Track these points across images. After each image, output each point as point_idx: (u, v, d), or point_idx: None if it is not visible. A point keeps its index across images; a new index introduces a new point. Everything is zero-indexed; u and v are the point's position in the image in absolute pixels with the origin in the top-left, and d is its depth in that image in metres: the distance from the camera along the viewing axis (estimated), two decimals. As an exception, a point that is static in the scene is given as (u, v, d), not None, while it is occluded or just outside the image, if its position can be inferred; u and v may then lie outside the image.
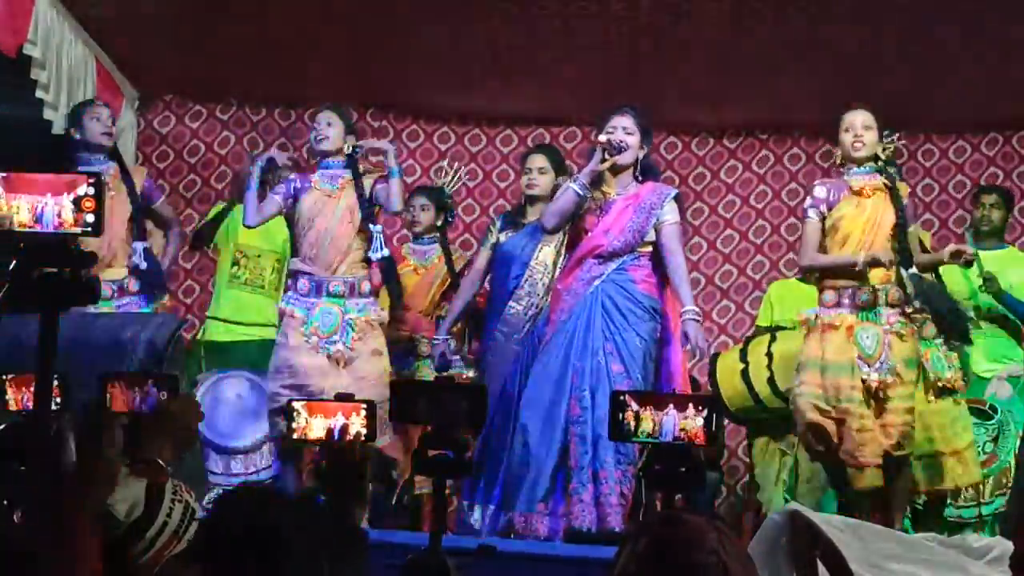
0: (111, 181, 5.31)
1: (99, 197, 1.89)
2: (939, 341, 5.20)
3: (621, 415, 2.75)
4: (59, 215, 1.89)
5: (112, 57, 6.66)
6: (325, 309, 5.12)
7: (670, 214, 4.88)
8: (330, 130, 5.27)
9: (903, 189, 5.01)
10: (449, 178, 6.09)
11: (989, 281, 5.66)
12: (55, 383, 2.88)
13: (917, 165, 7.47)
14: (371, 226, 5.17)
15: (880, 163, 4.95)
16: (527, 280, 5.28)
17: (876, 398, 4.77)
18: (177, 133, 7.47)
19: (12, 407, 3.01)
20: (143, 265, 5.32)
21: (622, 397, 2.78)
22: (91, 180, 1.90)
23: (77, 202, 1.88)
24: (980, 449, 5.38)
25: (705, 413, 2.72)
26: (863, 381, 4.74)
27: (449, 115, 7.56)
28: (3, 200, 1.89)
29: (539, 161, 5.44)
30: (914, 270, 4.81)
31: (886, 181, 4.92)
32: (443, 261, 5.80)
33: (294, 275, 5.22)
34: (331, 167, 5.28)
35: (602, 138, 4.87)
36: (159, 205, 5.67)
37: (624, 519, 4.60)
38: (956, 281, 5.57)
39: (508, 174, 7.46)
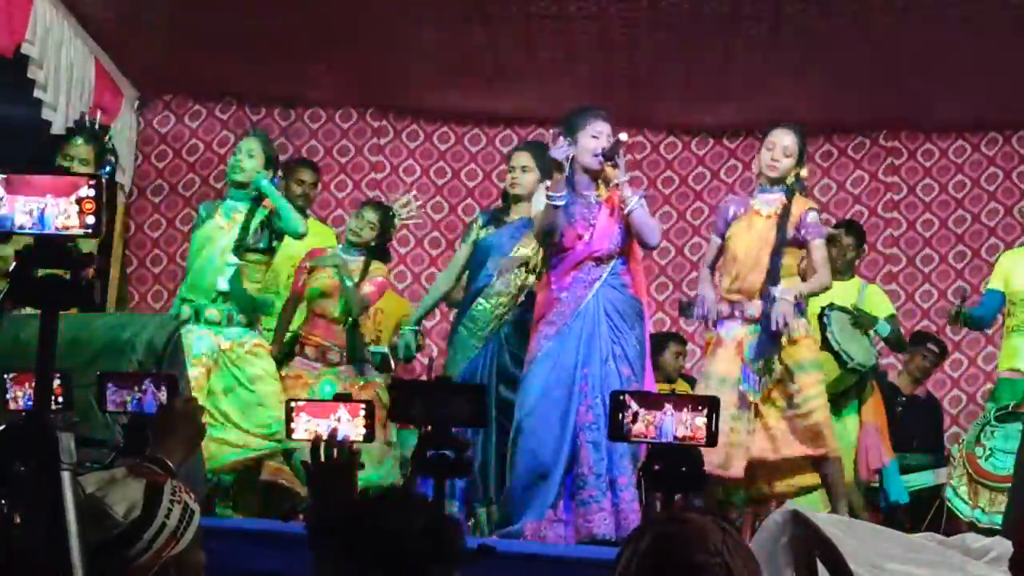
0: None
1: (99, 199, 1.89)
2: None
3: (621, 415, 2.75)
4: (60, 217, 1.88)
5: (112, 57, 6.66)
6: (199, 336, 5.22)
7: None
8: (250, 161, 5.31)
9: (801, 205, 4.95)
10: (402, 205, 5.97)
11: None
12: (57, 382, 2.89)
13: (917, 165, 7.48)
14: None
15: (788, 184, 4.95)
16: (500, 279, 5.25)
17: (767, 404, 4.81)
18: (177, 133, 7.48)
19: (12, 406, 3.01)
20: None
21: (622, 397, 2.78)
22: (92, 182, 1.90)
23: (78, 203, 1.88)
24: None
25: (705, 413, 2.71)
26: (748, 392, 4.78)
27: (449, 115, 7.57)
28: (3, 201, 1.89)
29: (523, 159, 5.39)
30: (778, 291, 4.80)
31: (783, 200, 4.92)
32: (360, 272, 5.71)
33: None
34: (237, 198, 5.36)
35: (599, 151, 4.80)
36: None
37: None
38: None
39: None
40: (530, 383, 4.76)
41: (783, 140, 4.94)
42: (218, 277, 5.24)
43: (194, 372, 5.04)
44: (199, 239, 5.33)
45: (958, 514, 5.31)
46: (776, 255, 4.87)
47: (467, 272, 5.45)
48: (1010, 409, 5.45)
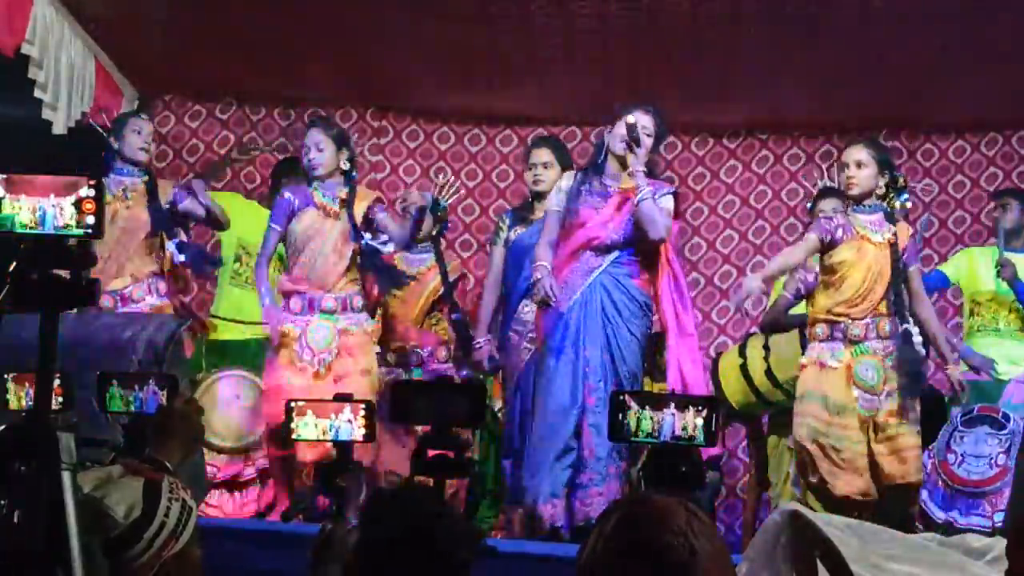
0: (134, 195, 5.40)
1: (100, 199, 1.89)
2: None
3: (621, 415, 2.75)
4: (60, 217, 1.88)
5: (112, 57, 6.65)
6: (319, 324, 5.15)
7: (663, 203, 4.82)
8: (321, 155, 5.24)
9: (905, 233, 5.01)
10: (442, 190, 6.04)
11: (1004, 267, 5.70)
12: (57, 382, 2.90)
13: (917, 165, 7.47)
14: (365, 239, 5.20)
15: (885, 203, 4.96)
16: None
17: (880, 428, 4.84)
18: (177, 133, 7.47)
19: (13, 405, 3.01)
20: (181, 258, 5.38)
21: (622, 397, 2.78)
22: (92, 182, 1.90)
23: (78, 204, 1.88)
24: (993, 461, 5.33)
25: (705, 413, 2.72)
26: (867, 416, 4.81)
27: (449, 115, 7.56)
28: (4, 201, 1.89)
29: (544, 155, 5.39)
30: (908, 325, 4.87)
31: (892, 232, 4.92)
32: (435, 271, 5.77)
33: (286, 295, 5.24)
34: (329, 186, 5.29)
35: (626, 127, 4.78)
36: (188, 204, 5.52)
37: None
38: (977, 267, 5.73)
39: (508, 174, 7.46)
40: (540, 370, 4.80)
41: (855, 155, 4.95)
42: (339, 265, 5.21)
43: (310, 358, 5.08)
44: (302, 231, 5.25)
45: (933, 518, 5.31)
46: (895, 288, 4.89)
47: (506, 279, 5.45)
48: (975, 412, 5.46)
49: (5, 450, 1.91)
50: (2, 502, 1.90)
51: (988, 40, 5.98)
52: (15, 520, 1.87)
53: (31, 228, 1.89)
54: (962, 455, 5.36)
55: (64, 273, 1.91)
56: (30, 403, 2.89)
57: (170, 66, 6.96)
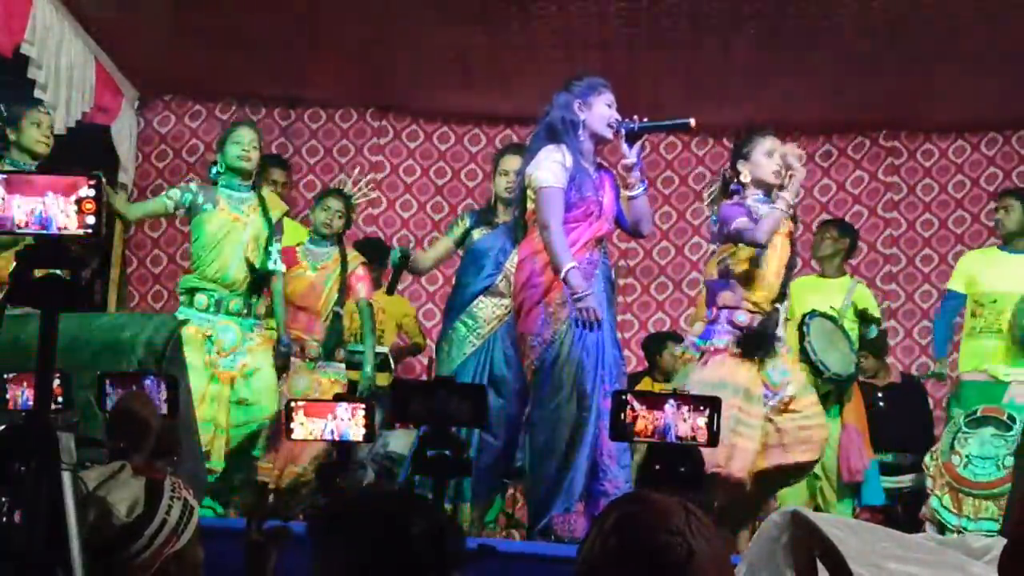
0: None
1: (100, 199, 1.89)
2: None
3: (621, 415, 2.75)
4: (60, 217, 1.88)
5: (112, 57, 6.66)
6: (226, 325, 5.24)
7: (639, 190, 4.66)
8: (256, 153, 5.31)
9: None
10: (353, 187, 5.99)
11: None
12: (57, 382, 2.90)
13: (917, 165, 7.48)
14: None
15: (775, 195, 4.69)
16: (502, 280, 5.17)
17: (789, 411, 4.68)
18: (177, 133, 7.48)
19: (12, 406, 3.01)
20: None
21: (622, 397, 2.78)
22: (92, 182, 1.89)
23: (78, 204, 1.88)
24: (1000, 463, 5.29)
25: (707, 413, 2.71)
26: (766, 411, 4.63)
27: (449, 115, 7.57)
28: (3, 201, 1.89)
29: (515, 163, 5.26)
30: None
31: (791, 224, 4.74)
32: (338, 263, 5.76)
33: (192, 291, 5.32)
34: (239, 189, 5.35)
35: (613, 121, 4.57)
36: None
37: None
38: None
39: (508, 174, 7.46)
40: (561, 367, 4.45)
41: (788, 147, 4.71)
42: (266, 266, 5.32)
43: (222, 360, 5.16)
44: (211, 230, 5.29)
45: (946, 524, 5.27)
46: (789, 280, 4.77)
47: (462, 274, 5.43)
48: (979, 414, 5.41)
49: (5, 450, 1.91)
50: (2, 501, 1.90)
51: (988, 40, 5.98)
52: (15, 520, 1.87)
53: (30, 228, 1.89)
54: (967, 457, 5.32)
55: (64, 273, 1.91)
56: (28, 403, 2.88)
57: (170, 66, 6.97)
